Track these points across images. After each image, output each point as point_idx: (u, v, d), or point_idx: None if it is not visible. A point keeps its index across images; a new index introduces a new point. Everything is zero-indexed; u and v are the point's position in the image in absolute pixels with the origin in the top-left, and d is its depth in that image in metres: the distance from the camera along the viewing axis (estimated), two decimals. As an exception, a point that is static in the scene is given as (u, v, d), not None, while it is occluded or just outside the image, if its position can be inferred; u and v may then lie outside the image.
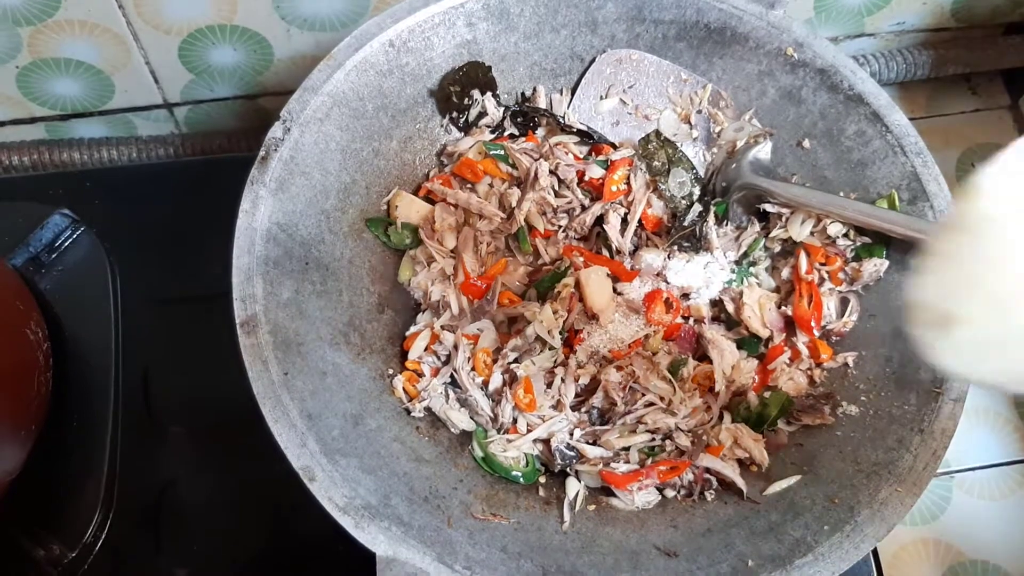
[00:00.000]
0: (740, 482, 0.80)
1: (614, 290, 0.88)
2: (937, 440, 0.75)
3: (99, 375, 0.92)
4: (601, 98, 0.95)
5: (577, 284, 0.86)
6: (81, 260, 0.98)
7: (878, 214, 0.83)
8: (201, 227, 0.83)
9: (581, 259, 0.89)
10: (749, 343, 0.88)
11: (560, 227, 0.93)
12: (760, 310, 0.88)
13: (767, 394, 0.84)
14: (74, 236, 0.99)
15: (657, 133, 0.91)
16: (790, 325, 0.88)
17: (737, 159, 0.91)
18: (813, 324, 0.86)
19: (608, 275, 0.88)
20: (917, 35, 1.17)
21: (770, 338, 0.88)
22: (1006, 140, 1.13)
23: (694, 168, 0.91)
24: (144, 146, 1.09)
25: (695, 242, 0.89)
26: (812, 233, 0.88)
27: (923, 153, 0.85)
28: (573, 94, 0.96)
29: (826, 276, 0.87)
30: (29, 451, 0.83)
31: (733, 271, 0.90)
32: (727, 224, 0.91)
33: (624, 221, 0.91)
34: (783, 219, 0.89)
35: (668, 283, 0.89)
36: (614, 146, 0.94)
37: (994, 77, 1.22)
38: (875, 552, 0.90)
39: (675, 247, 0.89)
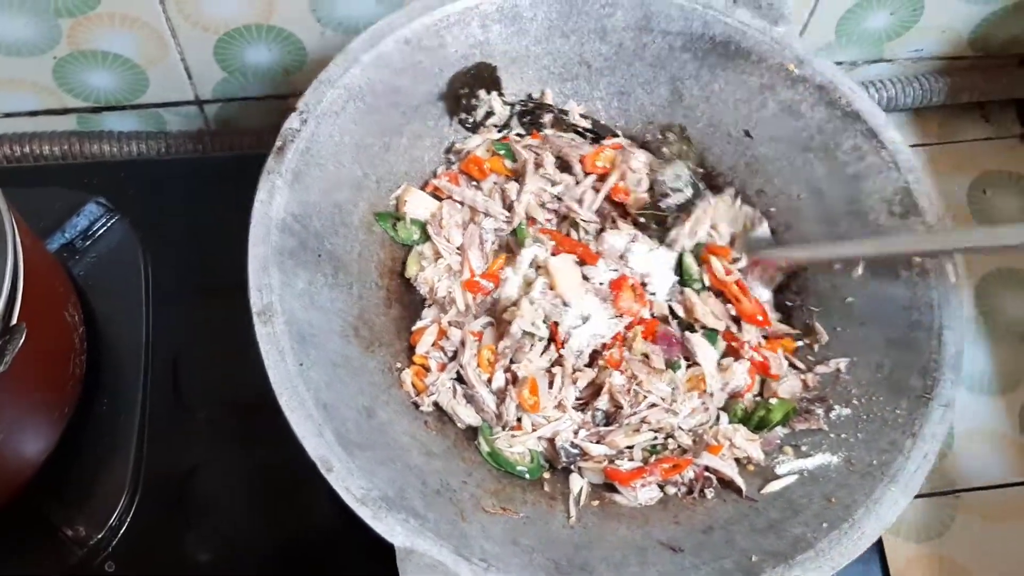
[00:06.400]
0: (739, 480, 0.82)
1: (584, 276, 0.88)
2: (928, 443, 0.78)
3: (130, 360, 0.92)
4: None
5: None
6: (115, 248, 0.98)
7: (893, 240, 0.86)
8: (231, 220, 0.84)
9: (552, 243, 0.90)
10: (709, 336, 0.89)
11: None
12: (709, 306, 0.90)
13: (772, 401, 0.86)
14: (108, 224, 0.98)
15: (682, 128, 0.93)
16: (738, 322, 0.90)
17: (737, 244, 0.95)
18: (760, 317, 0.89)
19: (576, 262, 0.89)
20: (934, 62, 1.20)
21: (728, 329, 0.89)
22: (1018, 169, 1.16)
23: (697, 175, 0.93)
24: (173, 141, 1.10)
25: (663, 232, 0.91)
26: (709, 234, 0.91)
27: (915, 170, 0.87)
28: None
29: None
30: (62, 432, 0.83)
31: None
32: None
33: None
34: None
35: (630, 267, 0.89)
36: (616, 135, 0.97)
37: (1007, 106, 1.24)
38: (884, 565, 0.91)
39: (643, 222, 0.91)
